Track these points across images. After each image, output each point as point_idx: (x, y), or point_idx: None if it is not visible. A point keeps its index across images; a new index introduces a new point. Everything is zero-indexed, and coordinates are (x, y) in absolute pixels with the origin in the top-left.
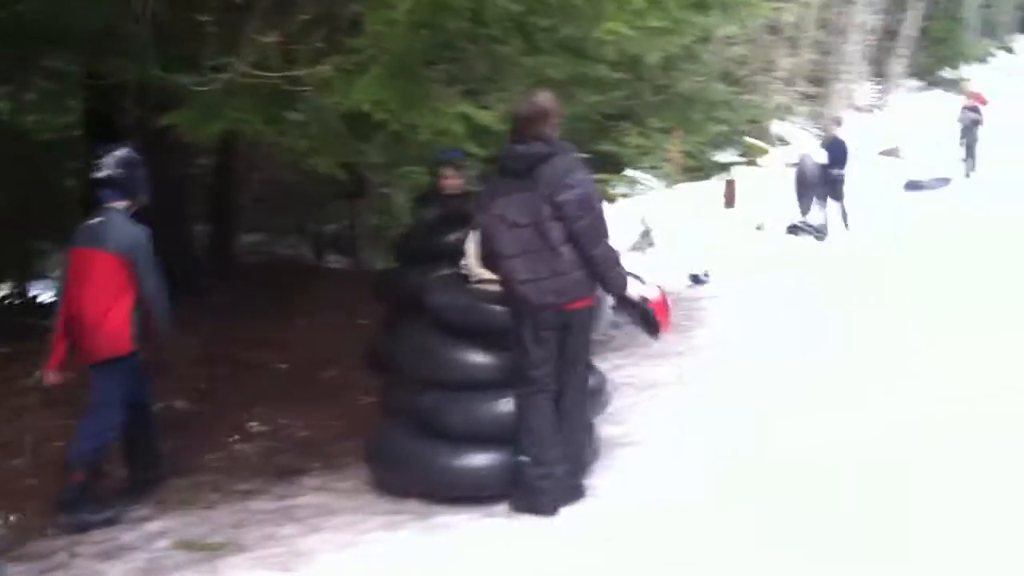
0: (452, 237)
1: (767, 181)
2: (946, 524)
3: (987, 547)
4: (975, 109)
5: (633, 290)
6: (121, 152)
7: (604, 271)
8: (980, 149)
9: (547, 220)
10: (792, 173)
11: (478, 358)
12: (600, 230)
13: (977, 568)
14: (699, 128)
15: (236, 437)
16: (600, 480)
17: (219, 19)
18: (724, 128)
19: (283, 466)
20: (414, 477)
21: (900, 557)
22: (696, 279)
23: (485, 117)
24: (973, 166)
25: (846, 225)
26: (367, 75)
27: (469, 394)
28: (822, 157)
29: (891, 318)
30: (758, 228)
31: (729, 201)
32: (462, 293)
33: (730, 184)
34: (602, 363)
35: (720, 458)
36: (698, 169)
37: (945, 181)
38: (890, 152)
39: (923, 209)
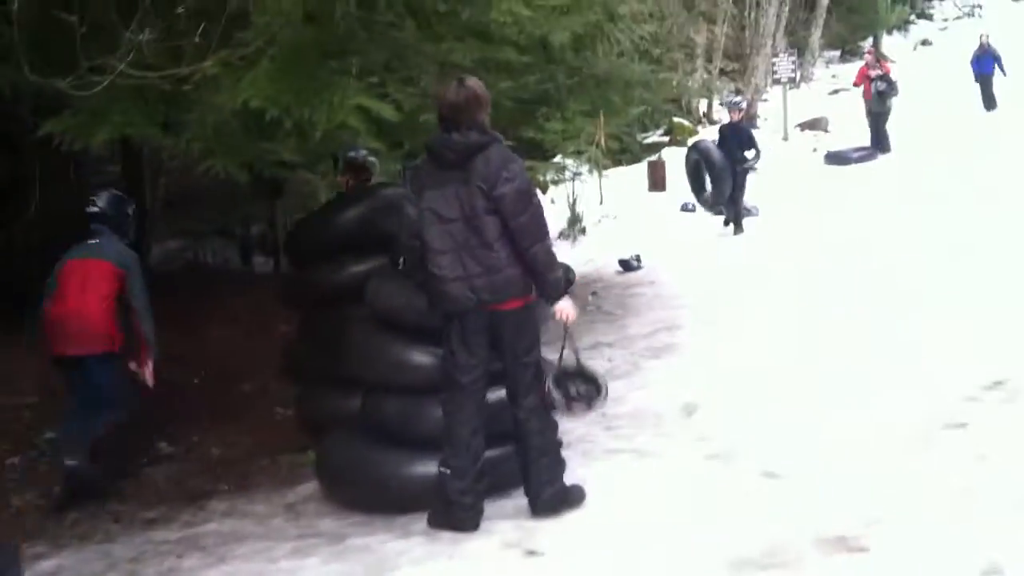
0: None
1: None
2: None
3: None
4: (884, 79)
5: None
6: (111, 193)
7: (542, 271)
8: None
9: (482, 214)
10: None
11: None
12: (539, 225)
13: None
14: (617, 110)
15: (145, 460)
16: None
17: (91, 17)
18: (644, 109)
19: (192, 490)
20: (386, 491)
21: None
22: (626, 265)
23: (385, 109)
24: (885, 143)
25: (739, 226)
26: (255, 70)
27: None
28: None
29: (825, 300)
30: (683, 210)
31: (657, 184)
32: (414, 294)
33: (656, 166)
34: None
35: (655, 456)
36: (624, 152)
37: (871, 153)
38: (814, 125)
39: (846, 183)
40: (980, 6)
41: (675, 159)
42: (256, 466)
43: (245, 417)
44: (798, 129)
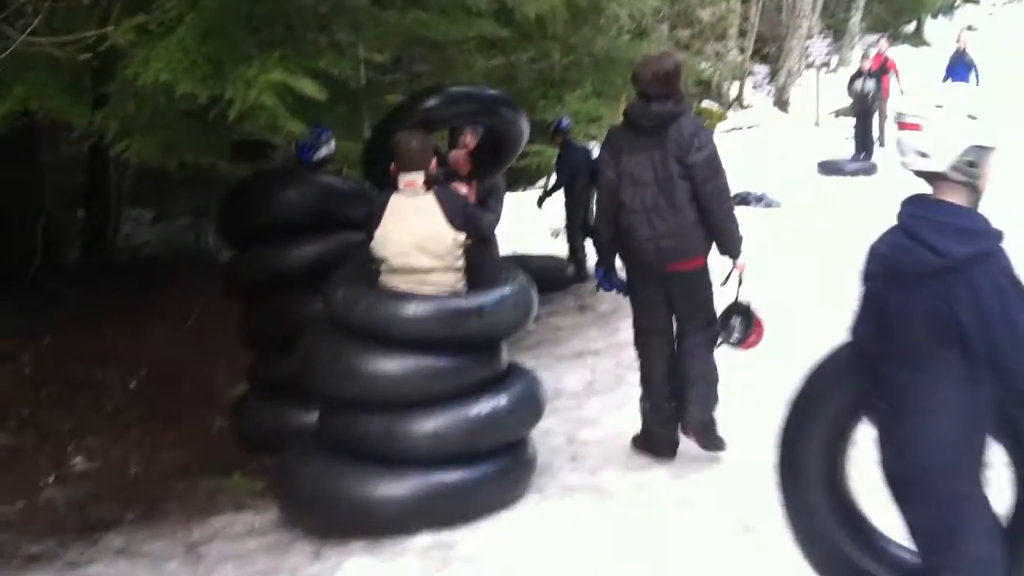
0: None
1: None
2: None
3: None
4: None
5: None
6: None
7: (726, 232)
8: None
9: (675, 179)
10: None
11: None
12: (725, 190)
13: None
14: (618, 93)
15: (51, 478)
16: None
17: None
18: None
19: (92, 518)
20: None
21: None
22: None
23: (307, 86)
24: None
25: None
26: (170, 38)
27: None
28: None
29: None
30: None
31: None
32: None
33: None
34: None
35: (617, 496)
36: None
37: (869, 164)
38: (848, 112)
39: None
40: None
41: None
42: (173, 490)
43: (177, 427)
44: (832, 115)
